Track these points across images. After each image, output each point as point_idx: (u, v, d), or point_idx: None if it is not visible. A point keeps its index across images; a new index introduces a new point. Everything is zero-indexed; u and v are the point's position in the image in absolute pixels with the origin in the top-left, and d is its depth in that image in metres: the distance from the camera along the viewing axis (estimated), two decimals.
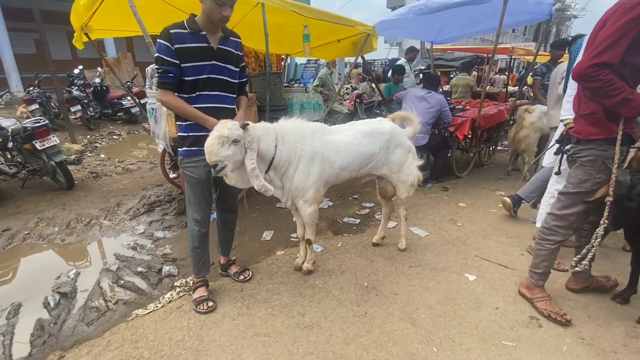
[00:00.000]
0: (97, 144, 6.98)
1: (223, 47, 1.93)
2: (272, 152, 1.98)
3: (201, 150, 1.82)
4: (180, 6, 2.98)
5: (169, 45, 1.78)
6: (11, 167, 4.12)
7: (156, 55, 1.82)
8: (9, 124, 4.03)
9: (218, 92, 1.96)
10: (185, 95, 1.90)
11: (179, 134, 2.00)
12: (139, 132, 8.32)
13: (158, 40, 1.79)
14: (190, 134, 1.95)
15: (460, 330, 1.90)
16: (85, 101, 8.04)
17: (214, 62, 1.90)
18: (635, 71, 1.59)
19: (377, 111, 6.99)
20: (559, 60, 4.33)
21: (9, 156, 4.17)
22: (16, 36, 11.35)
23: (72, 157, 4.87)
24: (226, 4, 1.77)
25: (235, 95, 2.10)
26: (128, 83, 8.63)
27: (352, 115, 6.60)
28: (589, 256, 1.79)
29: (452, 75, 10.59)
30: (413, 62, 6.31)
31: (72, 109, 7.43)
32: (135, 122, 8.87)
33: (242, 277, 2.39)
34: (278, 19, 3.53)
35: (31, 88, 7.75)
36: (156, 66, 1.83)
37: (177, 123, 1.99)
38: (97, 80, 8.54)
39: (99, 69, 10.45)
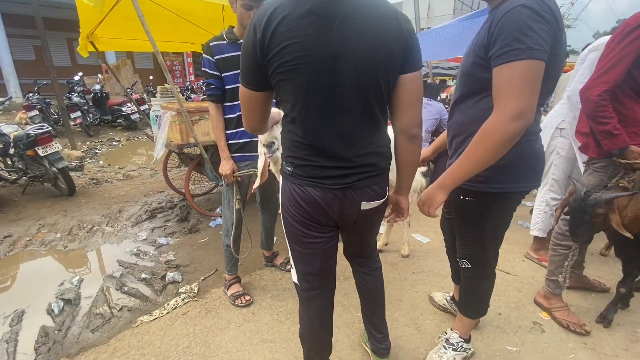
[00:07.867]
0: (96, 150, 6.98)
1: None
2: None
3: (245, 157, 2.01)
4: (185, 15, 3.03)
5: (210, 58, 1.88)
6: (12, 173, 4.12)
7: (202, 69, 1.95)
8: (11, 130, 4.04)
9: None
10: (229, 104, 1.98)
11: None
12: (139, 138, 8.34)
13: (202, 55, 1.92)
14: (235, 141, 2.01)
15: None
16: (85, 107, 8.07)
17: None
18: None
19: None
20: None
21: (9, 162, 4.17)
22: (15, 42, 11.37)
23: (73, 163, 4.87)
24: (253, 7, 1.84)
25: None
26: (128, 90, 8.68)
27: None
28: (567, 270, 1.92)
29: (448, 84, 10.79)
30: None
31: (72, 116, 7.45)
32: (134, 128, 8.90)
33: (288, 266, 2.54)
34: None
35: (31, 94, 7.76)
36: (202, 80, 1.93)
37: (226, 132, 2.05)
38: (97, 86, 8.58)
39: (99, 75, 10.50)
